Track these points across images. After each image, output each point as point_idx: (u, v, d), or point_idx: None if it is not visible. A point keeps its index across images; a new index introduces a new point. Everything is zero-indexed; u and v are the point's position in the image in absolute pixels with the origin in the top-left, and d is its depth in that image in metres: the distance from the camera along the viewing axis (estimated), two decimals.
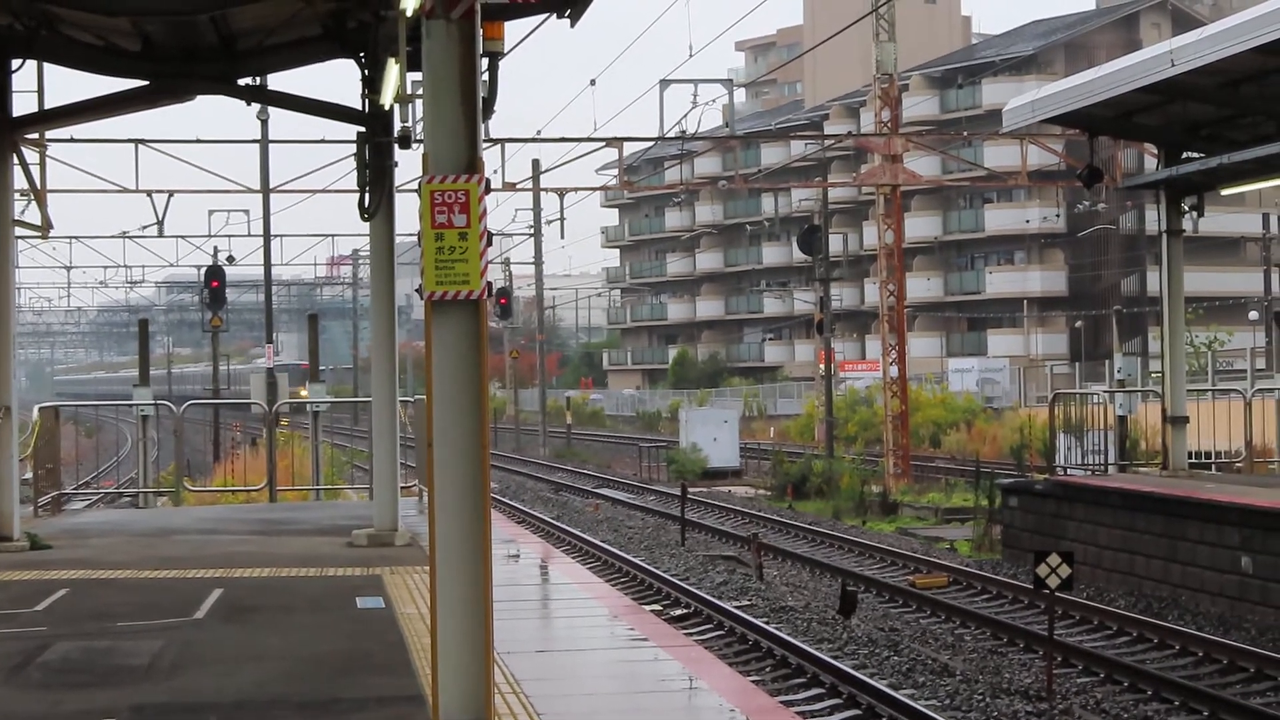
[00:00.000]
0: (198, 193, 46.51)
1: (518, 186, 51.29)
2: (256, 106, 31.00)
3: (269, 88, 20.96)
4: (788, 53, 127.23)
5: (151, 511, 26.41)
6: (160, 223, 47.56)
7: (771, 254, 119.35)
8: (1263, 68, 24.23)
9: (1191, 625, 21.47)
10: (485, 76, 10.75)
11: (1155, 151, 30.29)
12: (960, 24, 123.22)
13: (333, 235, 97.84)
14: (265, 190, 45.60)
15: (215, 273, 49.91)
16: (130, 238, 61.22)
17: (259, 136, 44.58)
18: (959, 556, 31.54)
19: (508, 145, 46.88)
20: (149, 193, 45.69)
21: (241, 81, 20.09)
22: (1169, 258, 28.86)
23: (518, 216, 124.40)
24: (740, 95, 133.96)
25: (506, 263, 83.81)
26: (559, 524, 37.70)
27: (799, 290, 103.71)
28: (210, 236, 60.79)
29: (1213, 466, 31.66)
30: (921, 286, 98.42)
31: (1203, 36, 23.71)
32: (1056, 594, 18.23)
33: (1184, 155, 28.24)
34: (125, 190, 44.16)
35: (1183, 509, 23.78)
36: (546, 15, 15.74)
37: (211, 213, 59.82)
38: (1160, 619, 21.93)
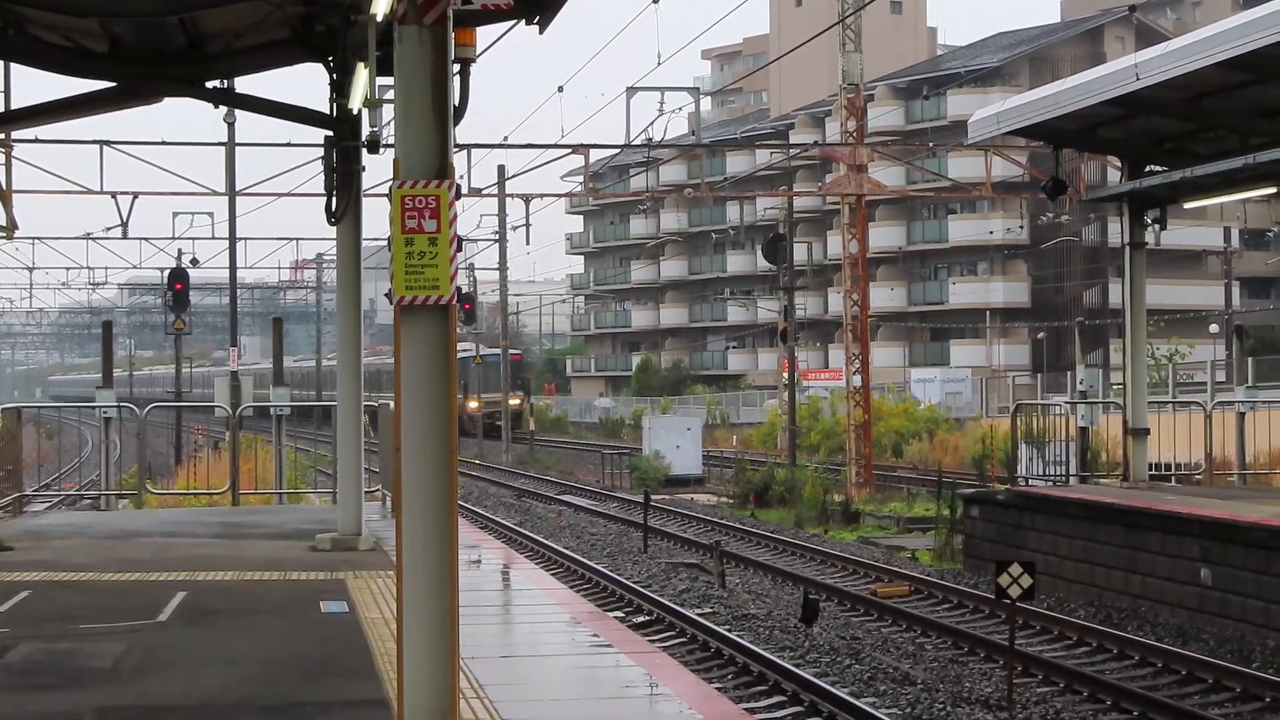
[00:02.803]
0: (162, 195, 46.33)
1: (483, 192, 51.24)
2: (223, 109, 30.96)
3: (236, 90, 20.93)
4: (754, 62, 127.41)
5: (114, 514, 26.31)
6: (124, 224, 47.35)
7: (736, 262, 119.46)
8: (1226, 82, 24.38)
9: (1151, 636, 21.56)
10: (456, 82, 10.76)
11: (1119, 164, 30.41)
12: (926, 35, 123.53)
13: (297, 239, 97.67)
14: (231, 193, 45.48)
15: (179, 275, 49.73)
16: (94, 239, 61.08)
17: (225, 139, 44.50)
18: (920, 566, 31.61)
19: (474, 151, 46.83)
20: (113, 194, 45.49)
21: (209, 84, 20.07)
22: (1131, 270, 28.99)
23: (482, 222, 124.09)
24: (706, 104, 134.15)
25: (471, 268, 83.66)
26: (522, 530, 37.68)
27: (763, 299, 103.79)
28: (174, 239, 60.60)
29: (1173, 478, 31.80)
30: (885, 296, 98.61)
31: (1167, 51, 23.85)
32: (1018, 604, 18.29)
33: (1147, 169, 28.39)
34: (89, 191, 43.98)
35: (1143, 520, 23.89)
36: (515, 21, 15.75)
37: (176, 215, 59.59)
38: (1120, 629, 22.03)
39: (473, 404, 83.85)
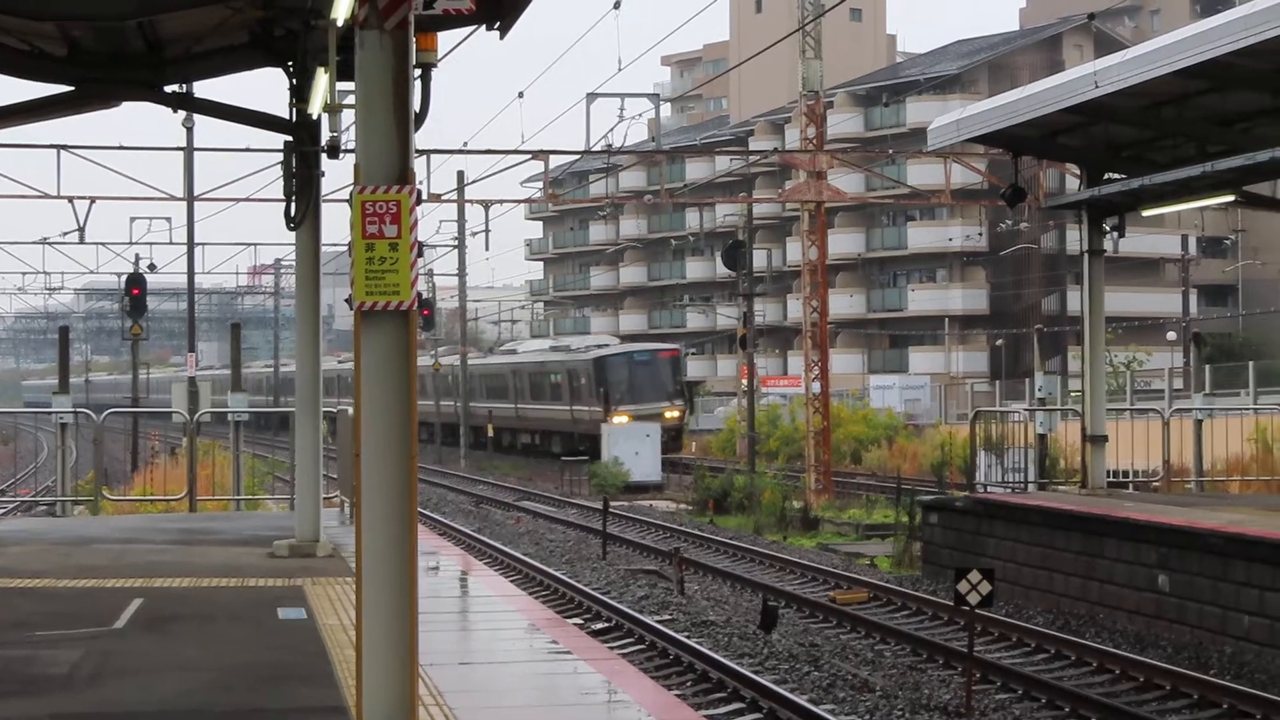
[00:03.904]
0: (120, 199, 46.22)
1: (443, 198, 51.20)
2: (182, 114, 30.87)
3: (195, 95, 20.88)
4: (714, 68, 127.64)
5: (70, 520, 26.20)
6: (81, 229, 47.23)
7: (695, 269, 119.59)
8: (1183, 91, 24.51)
9: (1109, 643, 21.63)
10: (417, 87, 10.75)
11: (1078, 172, 30.55)
12: (885, 43, 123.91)
13: (256, 244, 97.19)
14: (189, 198, 45.37)
15: (136, 280, 49.57)
16: (50, 244, 60.80)
17: (184, 144, 44.38)
18: (879, 573, 31.66)
19: (434, 156, 46.81)
20: (70, 199, 45.36)
21: (168, 88, 20.01)
22: (1090, 277, 29.07)
23: (442, 228, 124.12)
24: (666, 110, 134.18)
25: (430, 274, 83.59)
26: (480, 537, 37.64)
27: (722, 305, 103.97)
28: (132, 244, 60.45)
29: (1131, 486, 31.92)
30: (844, 303, 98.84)
31: (1125, 59, 23.94)
32: (976, 611, 18.33)
33: (1106, 176, 28.47)
34: (46, 196, 43.82)
35: (1101, 527, 23.97)
36: (476, 26, 15.74)
37: (133, 220, 59.53)
38: (1078, 636, 22.09)
39: (620, 418, 65.13)
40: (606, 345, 73.96)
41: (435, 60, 13.48)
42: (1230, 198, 27.32)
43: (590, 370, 69.02)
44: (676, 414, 67.80)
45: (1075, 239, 36.64)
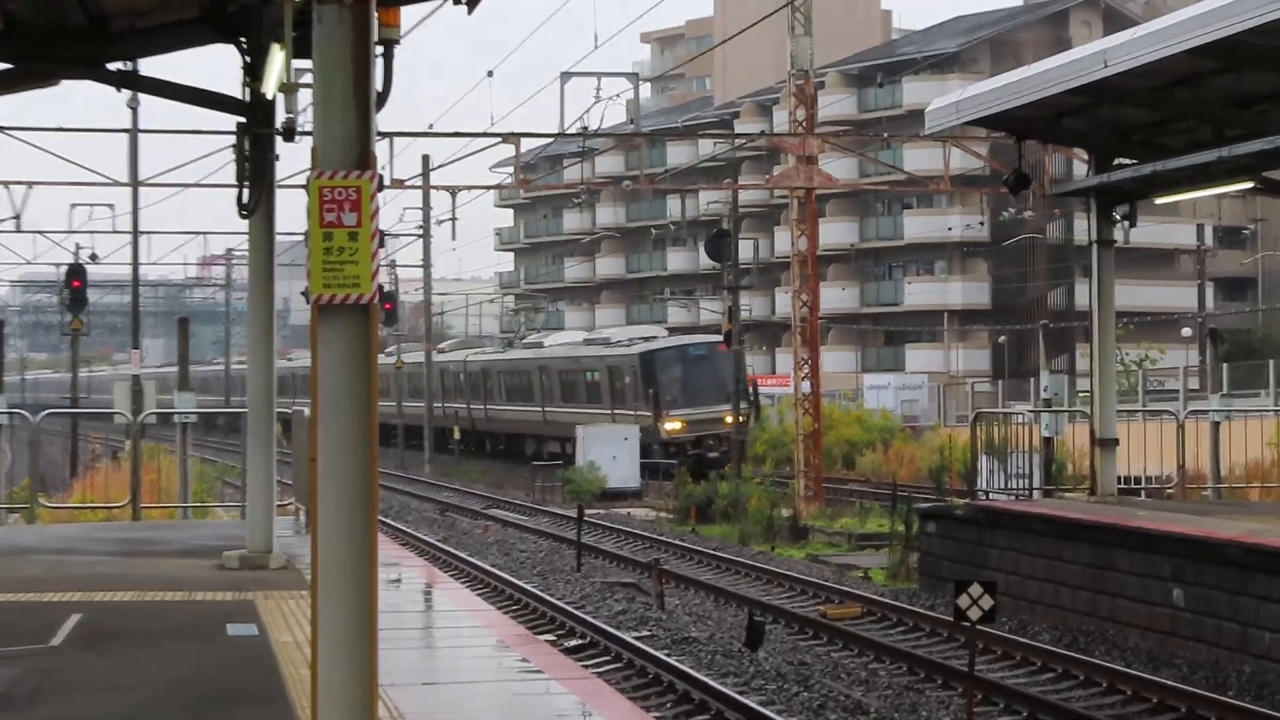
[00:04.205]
0: (60, 185, 46.15)
1: (407, 184, 51.18)
2: (127, 93, 30.80)
3: (141, 73, 20.82)
4: (697, 46, 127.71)
5: (3, 529, 26.14)
6: (17, 217, 47.14)
7: (677, 260, 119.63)
8: (1198, 70, 24.51)
9: (1120, 661, 21.67)
10: (379, 66, 10.73)
11: (1085, 157, 30.57)
12: (880, 19, 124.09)
13: (205, 233, 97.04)
14: (134, 183, 45.29)
15: (76, 271, 49.46)
16: None
17: (129, 125, 44.30)
18: (874, 586, 31.70)
19: (397, 140, 46.76)
20: (5, 184, 45.28)
21: (111, 66, 19.95)
22: (1099, 269, 29.11)
23: (405, 216, 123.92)
24: (646, 90, 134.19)
25: (393, 265, 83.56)
26: (446, 547, 37.63)
27: (705, 299, 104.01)
28: (72, 232, 60.33)
29: (1143, 492, 31.98)
30: (836, 297, 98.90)
31: (1136, 36, 23.95)
32: (978, 626, 18.34)
33: (1115, 161, 28.52)
34: None
35: (1111, 537, 24.00)
36: (442, 0, 15.72)
37: (74, 206, 59.35)
38: (1087, 654, 22.13)
39: (672, 424, 61.47)
40: (654, 338, 67.34)
41: (398, 36, 13.48)
42: (1249, 184, 27.41)
43: (636, 367, 64.21)
44: (740, 418, 59.33)
45: (1083, 228, 36.70)
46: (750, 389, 62.60)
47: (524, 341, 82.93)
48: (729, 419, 57.60)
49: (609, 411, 65.78)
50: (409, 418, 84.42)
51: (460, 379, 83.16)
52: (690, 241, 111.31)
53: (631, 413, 63.34)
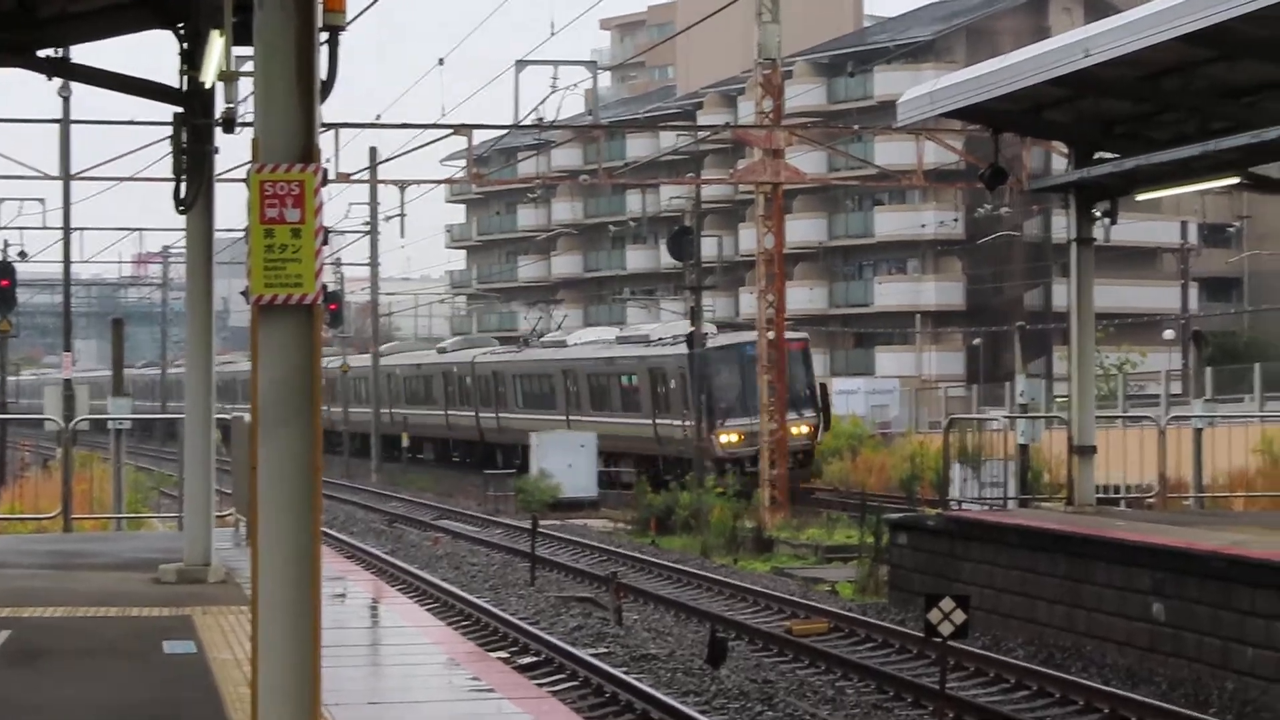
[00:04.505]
0: None
1: (353, 178, 51.12)
2: (58, 82, 30.72)
3: (73, 60, 20.78)
4: (659, 33, 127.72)
5: None
6: None
7: (637, 258, 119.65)
8: (1187, 59, 24.48)
9: (1097, 678, 21.75)
10: (324, 53, 10.73)
11: (1065, 151, 30.66)
12: (852, 5, 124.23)
13: (140, 229, 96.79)
14: (65, 177, 45.16)
15: (4, 270, 49.33)
16: None
17: (60, 116, 44.18)
18: (841, 600, 31.78)
19: (343, 131, 46.73)
20: None
21: (41, 53, 19.91)
22: (1078, 269, 29.16)
23: (351, 211, 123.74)
24: (606, 79, 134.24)
25: (337, 263, 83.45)
26: (393, 560, 37.58)
27: (667, 299, 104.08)
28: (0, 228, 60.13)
29: (1122, 502, 32.12)
30: (803, 297, 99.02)
31: (1119, 24, 24.00)
32: (949, 642, 18.41)
33: (1096, 155, 28.60)
34: None
35: (1089, 549, 24.09)
36: None
37: (2, 201, 59.18)
38: (1063, 670, 22.21)
39: (728, 437, 56.38)
40: (704, 334, 58.25)
41: (344, 23, 13.47)
42: (1235, 180, 27.45)
43: (683, 368, 57.00)
44: (807, 429, 56.35)
45: (1062, 226, 36.82)
46: (822, 393, 58.11)
47: (541, 340, 75.58)
48: (796, 429, 53.75)
49: (649, 421, 60.37)
50: (366, 425, 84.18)
51: (466, 383, 77.36)
52: (651, 239, 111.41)
53: (678, 424, 57.53)
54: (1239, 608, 20.84)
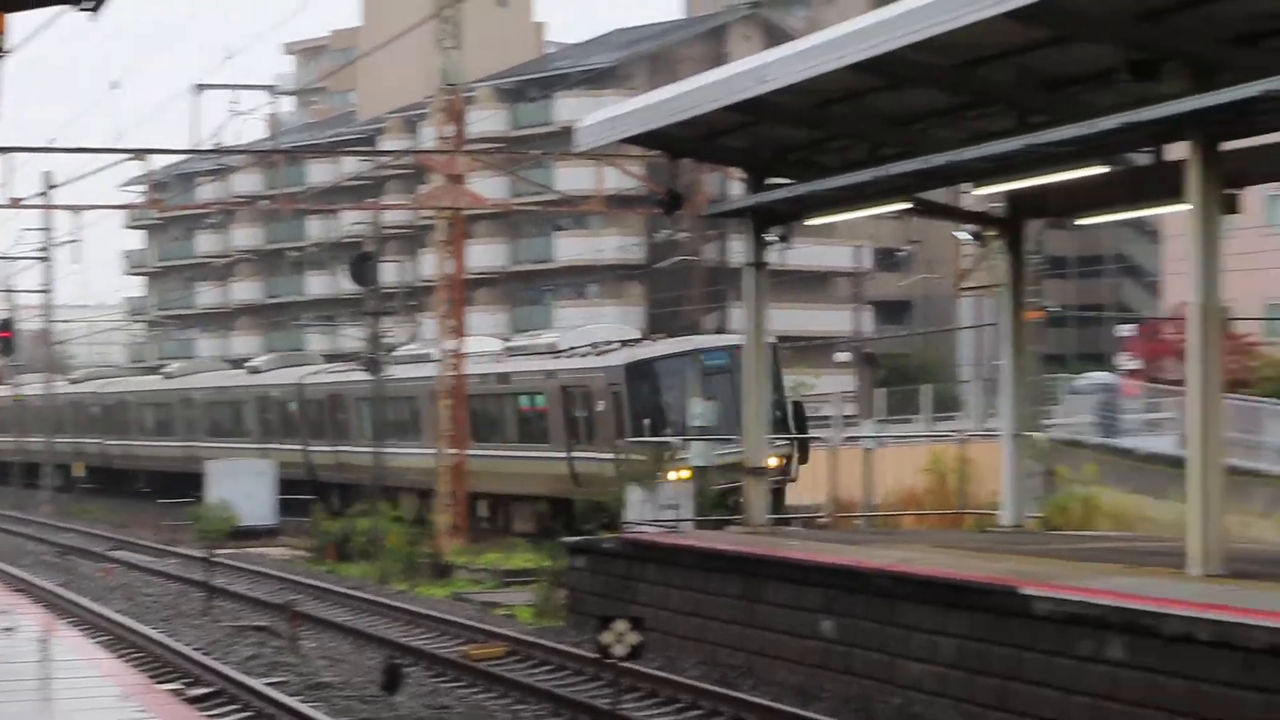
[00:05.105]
0: None
1: (24, 203, 50.11)
2: None
3: None
4: (343, 58, 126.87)
5: None
6: None
7: (317, 284, 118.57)
8: (856, 87, 24.90)
9: (768, 696, 22.04)
10: None
11: (742, 176, 31.02)
12: (534, 32, 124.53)
13: None
14: None
15: None
16: None
17: None
18: (519, 624, 31.87)
19: (15, 156, 45.76)
20: None
21: None
22: (754, 293, 29.48)
23: (24, 238, 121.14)
24: (289, 104, 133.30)
25: (9, 291, 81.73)
26: (65, 592, 36.89)
27: (347, 325, 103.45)
28: None
29: (794, 521, 32.58)
30: (486, 322, 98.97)
31: (793, 52, 24.32)
32: (623, 663, 18.57)
33: (771, 181, 28.94)
34: None
35: (760, 569, 24.42)
36: (63, 7, 15.46)
37: None
38: (735, 689, 22.47)
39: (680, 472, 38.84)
40: (639, 342, 49.25)
41: (8, 45, 13.23)
42: (906, 205, 27.99)
43: (619, 385, 46.11)
44: (777, 460, 38.78)
45: (739, 250, 37.29)
46: (797, 413, 43.96)
47: (395, 354, 60.80)
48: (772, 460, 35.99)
49: (564, 455, 48.67)
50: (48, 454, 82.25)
51: (289, 410, 66.89)
52: (332, 264, 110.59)
53: (597, 456, 46.13)
54: (903, 623, 21.28)
